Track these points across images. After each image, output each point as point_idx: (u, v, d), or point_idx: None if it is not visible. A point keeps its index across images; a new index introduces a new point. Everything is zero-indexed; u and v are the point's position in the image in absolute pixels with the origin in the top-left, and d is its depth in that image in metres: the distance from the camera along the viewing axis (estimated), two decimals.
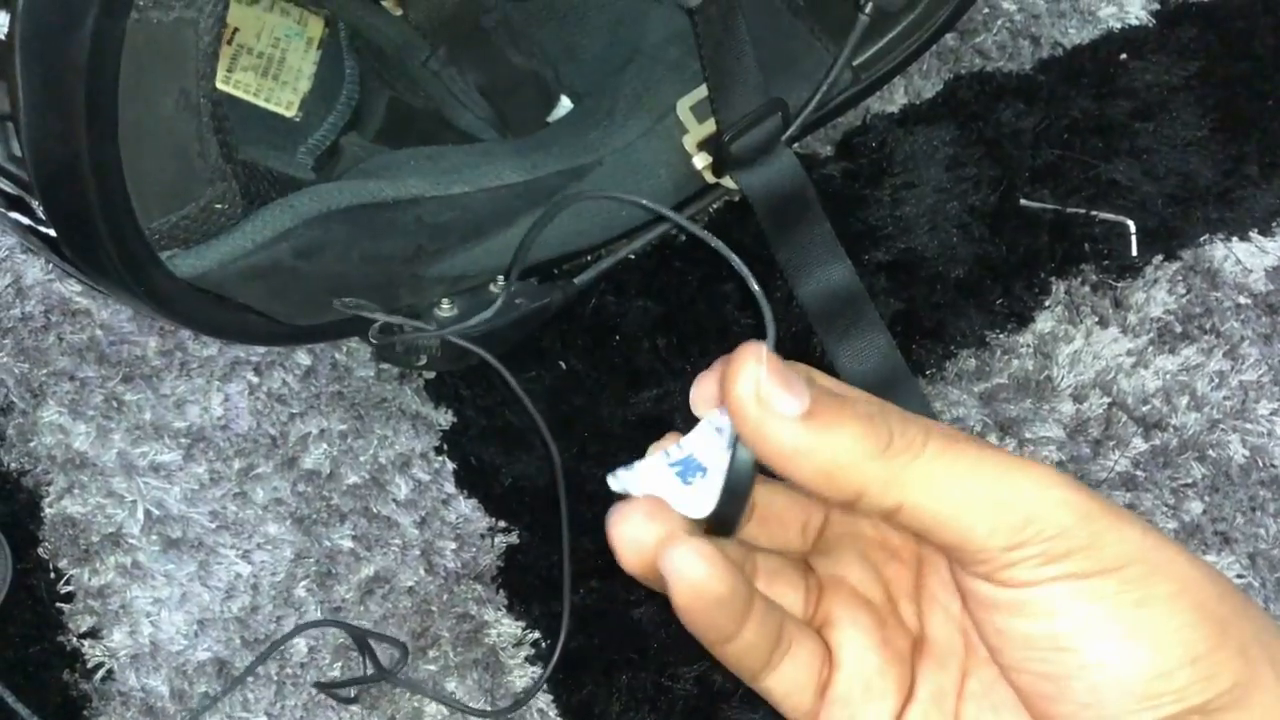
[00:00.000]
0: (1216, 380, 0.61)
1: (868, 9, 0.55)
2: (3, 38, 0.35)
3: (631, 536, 0.28)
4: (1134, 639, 0.27)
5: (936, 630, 0.31)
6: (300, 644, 0.54)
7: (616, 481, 0.29)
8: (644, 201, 0.31)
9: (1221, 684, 0.27)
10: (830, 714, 0.31)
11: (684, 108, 0.57)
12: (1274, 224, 0.64)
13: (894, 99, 0.66)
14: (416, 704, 0.53)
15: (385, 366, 0.59)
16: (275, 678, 0.54)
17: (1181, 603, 0.27)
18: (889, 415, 0.27)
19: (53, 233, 0.40)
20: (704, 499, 0.28)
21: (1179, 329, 0.62)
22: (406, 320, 0.50)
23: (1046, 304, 0.62)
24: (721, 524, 0.29)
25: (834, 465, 0.26)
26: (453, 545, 0.56)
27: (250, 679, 0.54)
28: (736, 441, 0.27)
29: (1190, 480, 0.59)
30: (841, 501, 0.27)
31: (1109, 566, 0.27)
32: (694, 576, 0.27)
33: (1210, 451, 0.59)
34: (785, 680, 0.30)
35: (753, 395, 0.26)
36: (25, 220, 0.41)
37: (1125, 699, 0.27)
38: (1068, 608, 0.27)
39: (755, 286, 0.29)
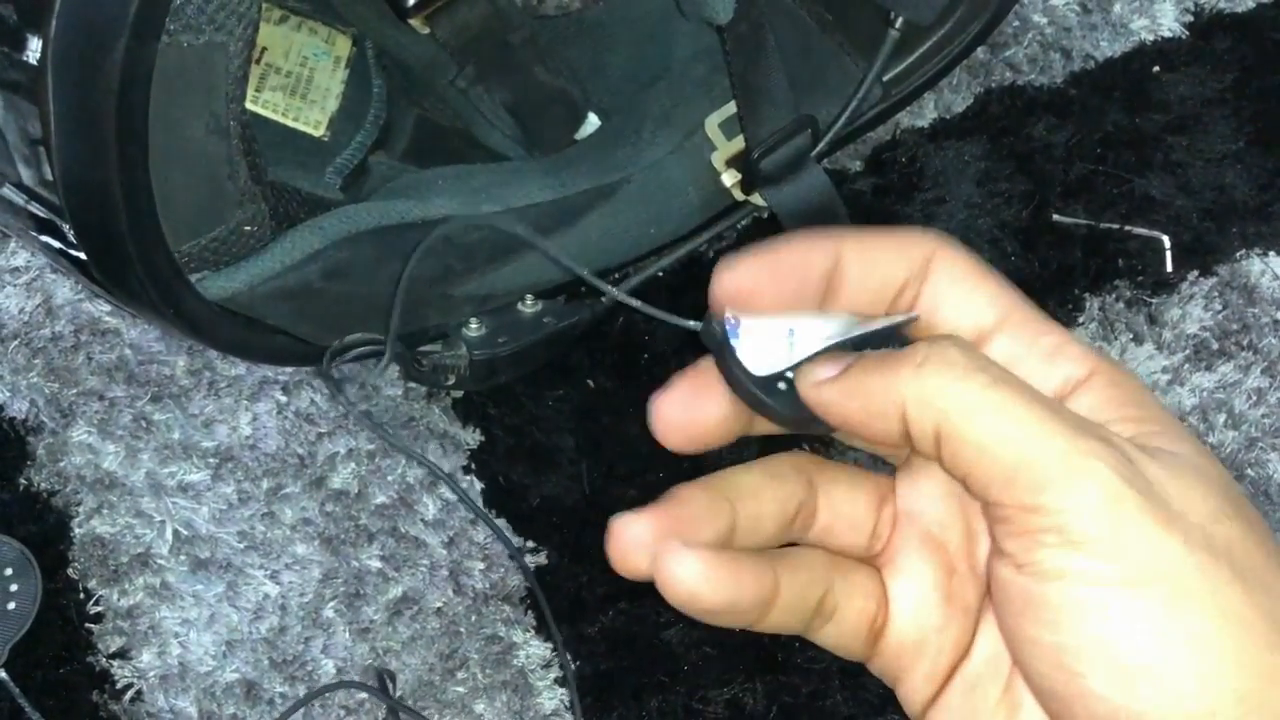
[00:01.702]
0: (1254, 398, 0.60)
1: (898, 24, 0.55)
2: (34, 62, 0.35)
3: (631, 537, 0.28)
4: (1140, 674, 0.24)
5: None
6: (328, 665, 0.54)
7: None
8: (519, 229, 0.30)
9: None
10: (880, 663, 0.29)
11: (712, 125, 0.56)
12: None
13: (924, 113, 0.65)
14: None
15: (413, 386, 0.59)
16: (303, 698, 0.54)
17: (1213, 646, 0.24)
18: (943, 343, 0.26)
19: (83, 256, 0.40)
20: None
21: (1215, 346, 0.61)
22: (415, 356, 0.49)
23: (1080, 321, 0.61)
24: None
25: (867, 393, 0.26)
26: (481, 566, 0.56)
27: (279, 700, 0.53)
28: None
29: None
30: (893, 439, 0.26)
31: (1130, 578, 0.24)
32: (683, 589, 0.27)
33: (1249, 470, 0.58)
34: (831, 637, 0.29)
35: (810, 385, 0.26)
36: (56, 243, 0.41)
37: None
38: (1074, 620, 0.24)
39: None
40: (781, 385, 0.27)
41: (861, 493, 0.30)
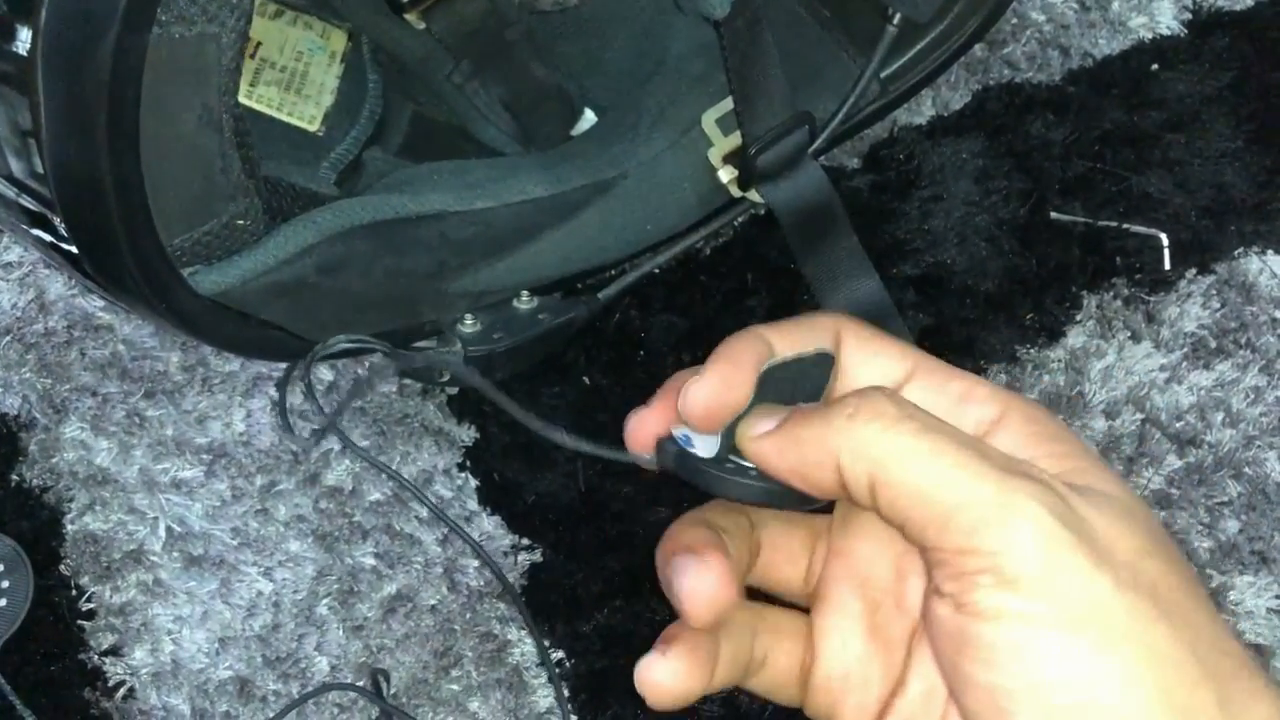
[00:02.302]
0: (1252, 396, 0.60)
1: (896, 20, 0.54)
2: (25, 53, 0.35)
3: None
4: (1070, 715, 0.24)
5: None
6: (322, 662, 0.54)
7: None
8: (562, 436, 0.31)
9: None
10: (812, 702, 0.30)
11: (709, 121, 0.56)
12: None
13: (922, 110, 0.65)
14: None
15: (407, 382, 0.58)
16: (297, 696, 0.53)
17: (1141, 686, 0.24)
18: (879, 393, 0.27)
19: (74, 250, 0.40)
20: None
21: (1213, 344, 0.61)
22: (414, 354, 0.49)
23: (1078, 318, 0.61)
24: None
25: (807, 439, 0.27)
26: (475, 563, 0.56)
27: (272, 698, 0.53)
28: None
29: (1226, 498, 0.58)
30: (829, 488, 0.27)
31: (1063, 620, 0.24)
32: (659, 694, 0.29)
33: (1246, 469, 0.58)
34: (764, 684, 0.30)
35: (747, 439, 0.28)
36: (47, 237, 0.41)
37: None
38: (1008, 659, 0.25)
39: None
40: (753, 471, 0.29)
41: (797, 530, 0.31)
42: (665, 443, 0.29)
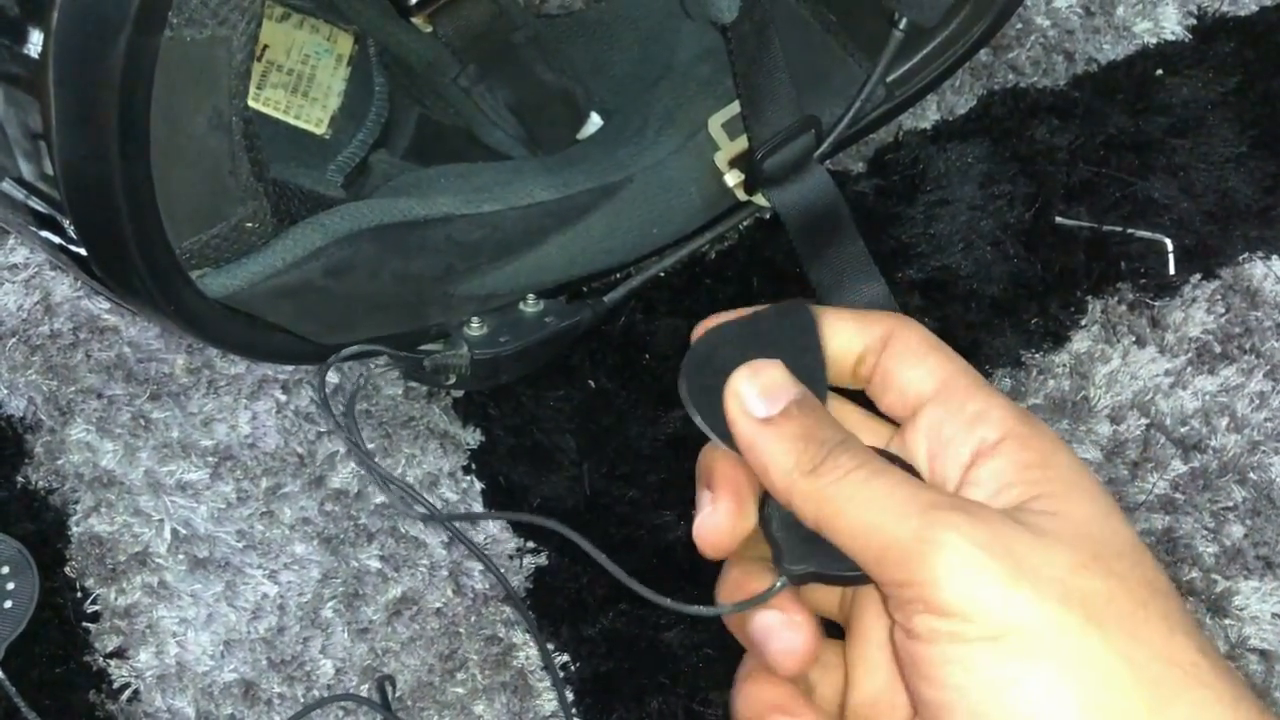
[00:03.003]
0: (1257, 401, 0.60)
1: (902, 25, 0.54)
2: (36, 55, 0.35)
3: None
4: None
5: None
6: (327, 665, 0.54)
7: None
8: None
9: None
10: None
11: (716, 125, 0.56)
12: None
13: (927, 115, 0.65)
14: None
15: (413, 385, 0.58)
16: (302, 699, 0.53)
17: (1064, 693, 0.25)
18: (832, 443, 0.29)
19: (83, 252, 0.40)
20: None
21: (1218, 349, 0.61)
22: (417, 355, 0.50)
23: (1083, 323, 0.61)
24: None
25: (767, 470, 0.30)
26: (480, 566, 0.56)
27: (277, 701, 0.53)
28: None
29: (1231, 503, 0.58)
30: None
31: (986, 634, 0.26)
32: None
33: (1251, 474, 0.58)
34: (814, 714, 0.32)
35: (738, 385, 0.30)
36: (56, 239, 0.41)
37: None
38: (944, 675, 0.26)
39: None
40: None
41: None
42: (789, 569, 0.30)
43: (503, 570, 0.56)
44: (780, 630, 0.30)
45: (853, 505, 0.28)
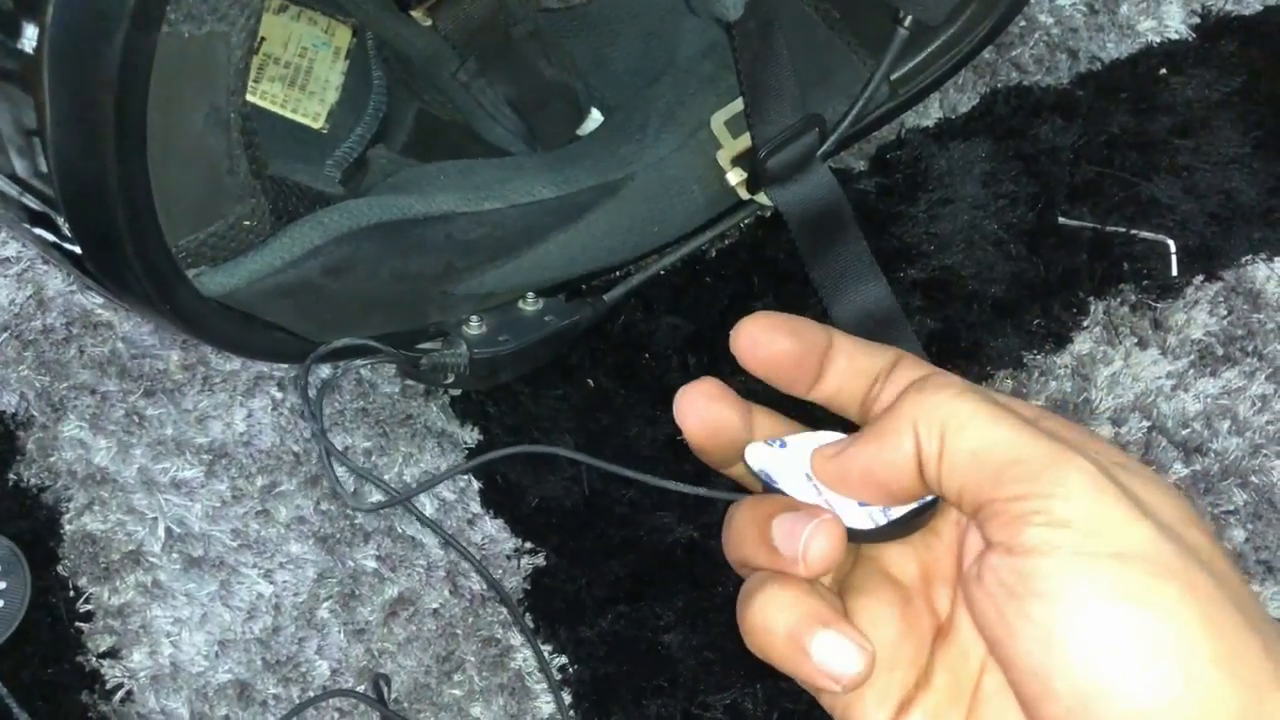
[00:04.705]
0: (1259, 404, 0.59)
1: (906, 23, 0.54)
2: (31, 51, 0.34)
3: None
4: (1125, 646, 0.25)
5: (963, 619, 0.30)
6: (323, 666, 0.53)
7: (756, 460, 0.31)
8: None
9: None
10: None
11: (718, 122, 0.55)
12: None
13: (929, 113, 0.65)
14: None
15: (410, 383, 0.58)
16: (297, 700, 0.53)
17: (1188, 617, 0.25)
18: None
19: (78, 250, 0.39)
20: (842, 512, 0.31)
21: (1220, 351, 0.60)
22: (415, 354, 0.49)
23: (1085, 324, 0.61)
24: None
25: (880, 434, 0.29)
26: None
27: (272, 702, 0.53)
28: None
29: (1232, 507, 0.57)
30: (900, 475, 0.29)
31: (1113, 551, 0.26)
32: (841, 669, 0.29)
33: (1253, 477, 0.58)
34: None
35: (821, 459, 0.30)
36: (50, 236, 0.40)
37: (1109, 713, 0.25)
38: (1063, 589, 0.26)
39: None
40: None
41: None
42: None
43: (500, 572, 0.55)
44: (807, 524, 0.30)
45: (977, 421, 0.28)
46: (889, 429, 0.29)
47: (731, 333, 0.32)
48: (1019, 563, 0.27)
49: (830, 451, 0.30)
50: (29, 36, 0.34)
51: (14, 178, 0.38)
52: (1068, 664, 0.26)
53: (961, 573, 0.30)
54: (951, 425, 0.28)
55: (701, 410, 0.31)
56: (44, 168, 0.37)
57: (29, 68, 0.34)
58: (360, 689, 0.53)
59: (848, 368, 0.32)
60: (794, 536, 0.29)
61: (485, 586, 0.55)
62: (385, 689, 0.52)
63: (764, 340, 0.32)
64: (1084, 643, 0.26)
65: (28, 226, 0.40)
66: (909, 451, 0.29)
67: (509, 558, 0.55)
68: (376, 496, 0.56)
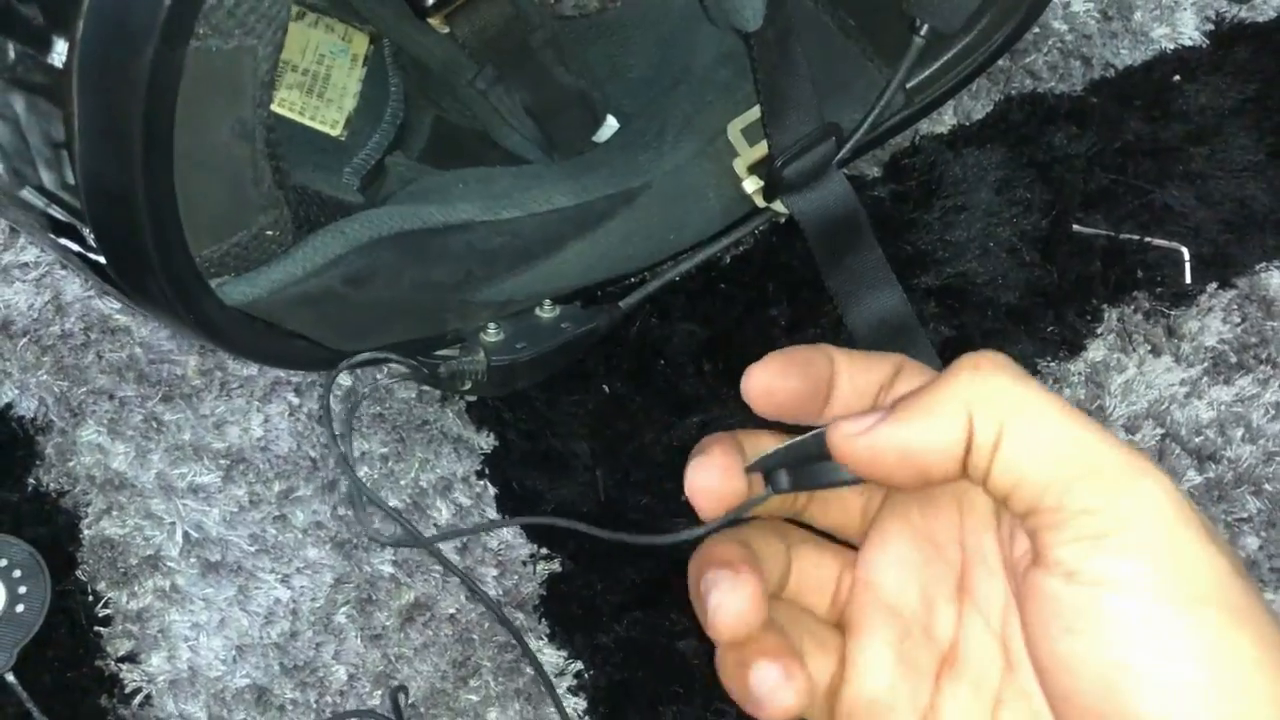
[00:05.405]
0: (1273, 412, 0.59)
1: (923, 32, 0.54)
2: (60, 65, 0.35)
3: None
4: (1190, 693, 0.24)
5: (972, 642, 0.29)
6: (340, 671, 0.53)
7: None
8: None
9: None
10: None
11: (735, 130, 0.56)
12: None
13: (943, 120, 0.65)
14: None
15: (426, 389, 0.58)
16: (314, 705, 0.53)
17: (1262, 667, 0.24)
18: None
19: (102, 260, 0.39)
20: None
21: (1234, 359, 0.61)
22: (433, 361, 0.49)
23: (1099, 332, 0.61)
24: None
25: (927, 408, 0.26)
26: (494, 572, 0.55)
27: (289, 706, 0.53)
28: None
29: (1245, 515, 0.58)
30: (947, 459, 0.26)
31: (1189, 595, 0.24)
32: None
33: (1267, 485, 0.58)
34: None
35: (847, 436, 0.27)
36: (74, 246, 0.40)
37: None
38: (1136, 639, 0.24)
39: None
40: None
41: (826, 557, 0.32)
42: (775, 476, 0.31)
43: (516, 577, 0.55)
44: (729, 583, 0.29)
45: (1047, 415, 0.25)
46: (937, 409, 0.26)
47: (743, 383, 0.31)
48: (1083, 595, 0.24)
49: (855, 428, 0.27)
50: (59, 51, 0.34)
51: (41, 189, 0.39)
52: (1131, 711, 0.24)
53: (979, 578, 0.29)
54: (1015, 416, 0.25)
55: (717, 485, 0.31)
56: (71, 180, 0.37)
57: (59, 81, 0.34)
58: (377, 696, 0.53)
59: (850, 390, 0.31)
60: (713, 595, 0.29)
61: (501, 593, 0.55)
62: (403, 701, 0.52)
63: (778, 385, 0.30)
64: (1152, 694, 0.24)
65: (53, 236, 0.41)
66: (958, 436, 0.25)
67: (524, 563, 0.56)
68: (394, 503, 0.56)
